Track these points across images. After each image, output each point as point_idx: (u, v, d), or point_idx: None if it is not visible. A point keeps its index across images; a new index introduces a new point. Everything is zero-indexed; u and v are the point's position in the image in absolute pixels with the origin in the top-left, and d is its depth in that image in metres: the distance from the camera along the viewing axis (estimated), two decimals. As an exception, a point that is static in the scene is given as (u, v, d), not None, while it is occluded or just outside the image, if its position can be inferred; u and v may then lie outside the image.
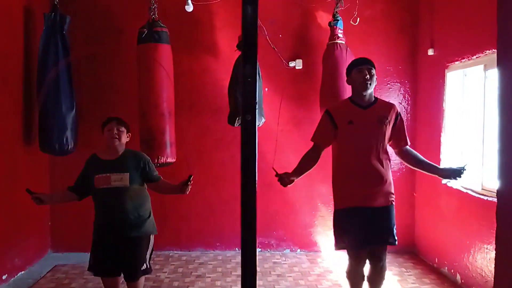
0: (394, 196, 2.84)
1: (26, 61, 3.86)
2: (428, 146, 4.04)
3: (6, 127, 3.57)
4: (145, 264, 2.85)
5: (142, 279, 2.91)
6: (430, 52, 4.02)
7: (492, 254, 3.07)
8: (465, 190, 3.49)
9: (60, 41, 3.79)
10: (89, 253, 2.88)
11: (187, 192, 2.76)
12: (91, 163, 2.86)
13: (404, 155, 2.89)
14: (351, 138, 2.76)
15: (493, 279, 2.99)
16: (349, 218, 2.77)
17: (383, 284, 2.92)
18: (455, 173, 2.74)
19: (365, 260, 2.85)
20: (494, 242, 2.83)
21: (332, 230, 2.88)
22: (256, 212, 1.41)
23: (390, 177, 2.81)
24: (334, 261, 4.09)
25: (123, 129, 2.86)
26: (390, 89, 4.38)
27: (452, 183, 3.67)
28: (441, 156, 3.87)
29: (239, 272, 3.86)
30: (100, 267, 2.85)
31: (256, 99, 1.28)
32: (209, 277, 3.76)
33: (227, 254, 4.35)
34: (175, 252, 4.39)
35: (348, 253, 2.85)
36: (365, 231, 2.74)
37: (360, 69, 2.75)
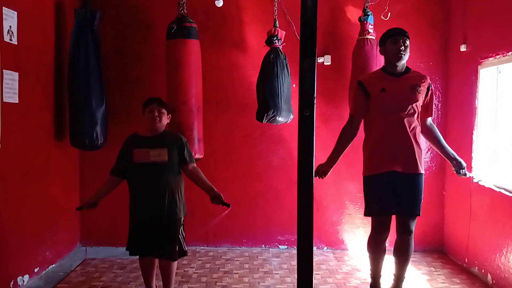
0: (423, 167, 2.90)
1: (57, 56, 3.90)
2: (460, 144, 3.96)
3: (38, 122, 3.62)
4: (179, 246, 2.88)
5: (176, 262, 2.93)
6: (463, 48, 3.93)
7: (527, 254, 3.01)
8: (497, 189, 3.41)
9: (90, 36, 3.81)
10: (127, 234, 2.95)
11: (213, 203, 2.87)
12: (130, 140, 2.95)
13: (427, 129, 2.98)
14: (383, 105, 2.82)
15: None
16: (378, 184, 2.85)
17: (410, 259, 2.98)
18: (459, 170, 2.90)
19: (388, 230, 2.90)
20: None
21: (363, 197, 2.96)
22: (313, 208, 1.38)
23: (420, 146, 2.87)
24: (361, 259, 4.05)
25: (164, 110, 2.93)
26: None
27: (484, 182, 3.61)
28: (473, 155, 3.79)
29: (266, 269, 3.86)
30: (137, 246, 2.90)
31: (314, 94, 1.26)
32: (237, 273, 3.76)
33: (254, 251, 4.34)
34: (202, 247, 4.40)
35: (372, 219, 2.92)
36: (393, 196, 2.80)
37: (395, 39, 2.82)
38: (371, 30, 3.93)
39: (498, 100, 3.66)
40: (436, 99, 4.31)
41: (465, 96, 3.94)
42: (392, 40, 2.83)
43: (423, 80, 2.89)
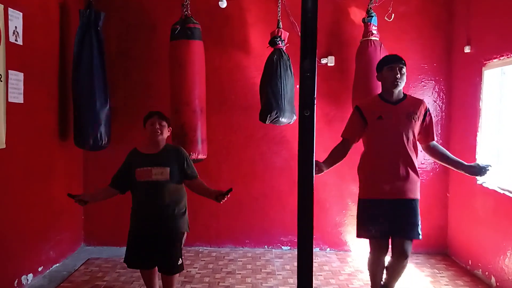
0: (419, 192, 2.88)
1: (61, 57, 3.92)
2: (463, 146, 3.95)
3: (43, 122, 3.64)
4: (180, 259, 2.89)
5: (177, 275, 2.94)
6: (467, 49, 3.92)
7: (531, 257, 2.99)
8: (502, 191, 3.40)
9: (94, 37, 3.83)
10: (126, 246, 2.95)
11: (222, 202, 2.79)
12: (132, 157, 2.93)
13: (431, 150, 2.96)
14: (380, 133, 2.84)
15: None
16: (374, 209, 2.85)
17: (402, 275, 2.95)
18: (480, 171, 2.78)
19: (387, 250, 2.91)
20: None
21: (356, 218, 2.96)
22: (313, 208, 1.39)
23: (417, 173, 2.86)
24: (364, 261, 4.02)
25: (164, 123, 2.93)
26: (425, 87, 4.29)
27: (488, 184, 3.59)
28: (477, 156, 3.77)
29: (268, 269, 3.86)
30: (135, 260, 2.91)
31: (315, 95, 1.26)
32: (239, 273, 3.76)
33: (256, 251, 4.34)
34: (205, 248, 4.41)
35: (370, 242, 2.91)
36: (389, 222, 2.80)
37: (391, 67, 2.82)
38: (374, 31, 3.92)
39: (502, 101, 3.64)
40: (440, 100, 4.31)
41: (469, 97, 3.93)
42: (388, 68, 2.83)
43: (420, 107, 2.87)
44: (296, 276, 3.71)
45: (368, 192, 2.91)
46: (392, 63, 2.82)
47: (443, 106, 4.30)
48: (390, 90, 2.85)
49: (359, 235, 2.95)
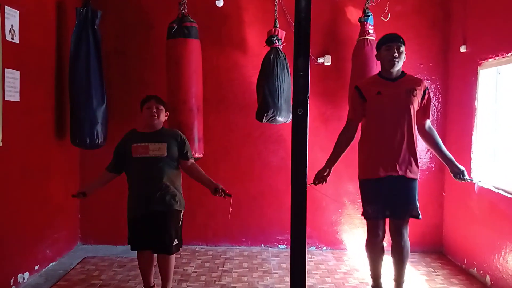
0: (418, 172, 2.91)
1: (58, 55, 3.92)
2: (459, 145, 3.97)
3: (39, 121, 3.64)
4: (177, 240, 2.90)
5: (173, 257, 2.95)
6: (463, 49, 3.93)
7: (526, 255, 3.02)
8: (496, 190, 3.41)
9: (91, 35, 3.84)
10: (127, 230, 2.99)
11: (216, 196, 2.86)
12: (129, 135, 2.98)
13: (426, 134, 2.98)
14: (379, 108, 2.85)
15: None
16: (372, 188, 2.89)
17: (407, 262, 2.99)
18: (458, 177, 2.89)
19: (383, 232, 2.94)
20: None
21: (360, 199, 3.00)
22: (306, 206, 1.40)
23: (416, 149, 2.89)
24: (360, 259, 4.06)
25: (161, 107, 2.97)
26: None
27: (483, 183, 3.61)
28: (472, 156, 3.79)
29: (265, 268, 3.88)
30: (135, 239, 2.93)
31: (308, 94, 1.27)
32: (236, 272, 3.77)
33: (253, 250, 4.35)
34: (202, 247, 4.42)
35: (367, 223, 2.95)
36: (386, 200, 2.84)
37: (390, 46, 2.85)
38: (371, 31, 3.93)
39: (498, 101, 3.66)
40: (435, 100, 4.32)
41: (465, 97, 3.94)
42: (386, 47, 2.86)
43: (419, 84, 2.90)
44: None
45: (366, 171, 2.93)
46: (390, 42, 2.85)
47: (439, 105, 4.32)
48: (388, 69, 2.88)
49: (363, 215, 2.98)
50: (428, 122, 2.99)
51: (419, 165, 4.20)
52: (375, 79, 2.97)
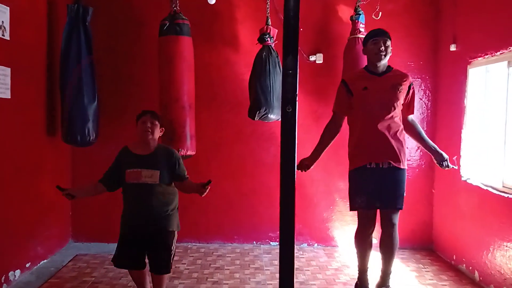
0: (406, 162, 2.96)
1: (49, 52, 3.90)
2: (449, 142, 4.01)
3: (30, 118, 3.62)
4: (171, 260, 2.89)
5: (167, 274, 2.94)
6: (452, 47, 3.97)
7: (513, 251, 3.07)
8: (485, 187, 3.46)
9: (83, 32, 3.81)
10: (116, 245, 2.93)
11: (203, 195, 2.79)
12: (123, 156, 2.90)
13: (409, 126, 3.06)
14: (366, 103, 2.91)
15: (515, 276, 3.00)
16: (361, 177, 2.93)
17: (395, 253, 3.04)
18: (441, 163, 2.97)
19: (373, 224, 2.99)
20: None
21: (348, 191, 3.04)
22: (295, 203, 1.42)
23: (403, 142, 2.95)
24: (351, 256, 4.09)
25: (156, 123, 2.89)
26: (411, 85, 4.35)
27: (472, 180, 3.66)
28: (461, 153, 3.84)
29: (257, 265, 3.90)
30: (123, 260, 2.89)
31: (297, 92, 1.29)
32: (228, 269, 3.79)
33: (245, 247, 4.38)
34: (194, 244, 4.43)
35: (358, 213, 3.00)
36: (376, 190, 2.88)
37: (376, 40, 2.92)
38: (362, 29, 3.96)
39: (486, 99, 3.71)
40: (426, 98, 4.37)
41: (455, 95, 3.99)
42: (373, 41, 2.92)
43: (405, 79, 2.96)
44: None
45: (355, 161, 2.98)
46: (376, 37, 2.92)
47: (429, 103, 4.36)
48: (375, 63, 2.93)
49: (351, 207, 3.03)
50: (411, 117, 3.08)
51: (409, 162, 4.30)
52: (362, 73, 3.02)
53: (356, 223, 3.09)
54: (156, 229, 2.84)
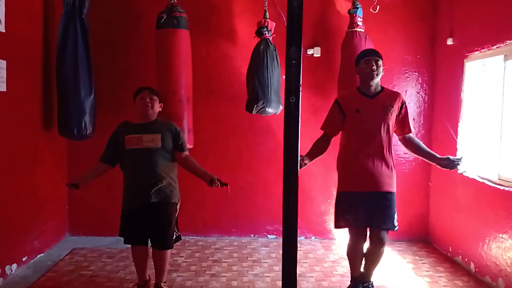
0: (395, 186, 2.97)
1: (45, 45, 3.87)
2: (445, 136, 4.04)
3: (26, 111, 3.60)
4: (175, 232, 2.88)
5: (169, 252, 2.93)
6: (449, 41, 3.99)
7: (508, 243, 3.10)
8: (481, 180, 3.49)
9: (79, 25, 3.79)
10: (120, 223, 2.92)
11: (212, 186, 2.81)
12: (121, 127, 2.91)
13: (407, 142, 3.06)
14: (358, 126, 2.93)
15: (507, 268, 3.04)
16: (351, 201, 2.93)
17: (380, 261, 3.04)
18: (451, 164, 2.89)
19: (365, 238, 3.01)
20: (510, 231, 2.85)
21: (334, 210, 3.04)
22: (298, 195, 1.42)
23: (393, 166, 2.96)
24: (348, 248, 4.12)
25: (155, 97, 2.90)
26: (408, 78, 4.36)
27: (468, 173, 3.69)
28: (458, 146, 3.86)
29: (255, 257, 3.91)
30: (130, 234, 2.86)
31: (300, 82, 1.29)
32: (226, 262, 3.80)
33: (243, 240, 4.39)
34: (191, 237, 4.44)
35: (349, 231, 3.01)
36: (366, 212, 2.90)
37: (368, 60, 2.93)
38: (360, 23, 3.96)
39: (483, 93, 3.73)
40: (423, 92, 4.38)
41: (451, 89, 4.01)
42: (365, 60, 2.93)
43: (396, 99, 2.95)
44: (281, 264, 3.77)
45: (346, 185, 2.99)
46: (368, 56, 2.94)
47: (426, 97, 4.38)
48: (367, 83, 2.94)
49: (337, 225, 3.03)
50: (409, 135, 3.03)
51: (406, 155, 4.32)
52: (355, 95, 3.01)
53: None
54: (159, 200, 2.81)
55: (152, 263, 3.01)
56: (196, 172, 2.94)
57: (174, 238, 2.90)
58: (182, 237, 4.29)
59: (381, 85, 3.00)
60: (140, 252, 2.93)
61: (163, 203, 2.84)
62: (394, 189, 2.95)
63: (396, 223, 2.93)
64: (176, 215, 2.97)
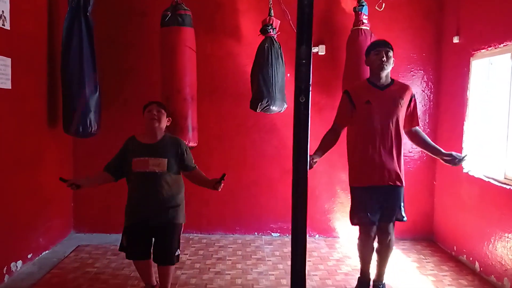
0: (403, 178, 2.98)
1: (50, 42, 3.87)
2: (451, 135, 4.02)
3: (31, 109, 3.60)
4: (177, 251, 2.88)
5: (174, 266, 2.94)
6: (455, 39, 3.97)
7: (514, 242, 3.09)
8: (487, 179, 3.48)
9: (84, 23, 3.78)
10: (121, 235, 2.90)
11: (219, 189, 2.80)
12: (129, 145, 2.87)
13: (413, 135, 3.07)
14: (368, 117, 2.91)
15: (516, 267, 3.02)
16: (363, 196, 2.96)
17: (391, 255, 3.09)
18: (454, 160, 2.91)
19: (375, 234, 3.04)
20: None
21: (350, 206, 3.08)
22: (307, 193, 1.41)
23: (402, 158, 2.97)
24: (352, 247, 4.10)
25: (163, 112, 2.87)
26: (414, 77, 4.34)
27: (474, 172, 3.68)
28: (463, 145, 3.85)
29: (259, 255, 3.92)
30: (132, 250, 2.86)
31: (310, 81, 1.28)
32: (230, 259, 3.80)
33: (247, 238, 4.39)
34: (196, 235, 4.44)
35: (360, 228, 3.05)
36: (377, 208, 2.93)
37: (378, 51, 2.91)
38: (365, 21, 3.94)
39: (489, 91, 3.71)
40: (428, 90, 4.36)
41: (457, 87, 3.99)
42: (375, 51, 2.92)
43: (406, 92, 2.96)
44: (285, 262, 3.77)
45: (358, 179, 3.00)
46: (378, 47, 2.92)
47: (432, 95, 4.36)
48: (377, 74, 2.93)
49: (352, 222, 3.05)
50: (415, 129, 3.05)
51: (411, 154, 4.32)
52: (365, 85, 3.01)
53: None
54: (164, 221, 2.81)
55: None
56: (202, 184, 2.93)
57: (176, 255, 2.88)
58: (187, 235, 4.36)
59: (391, 77, 2.99)
60: (143, 265, 2.93)
61: (167, 224, 2.83)
62: (403, 182, 2.97)
63: (404, 214, 2.98)
64: (180, 235, 2.94)
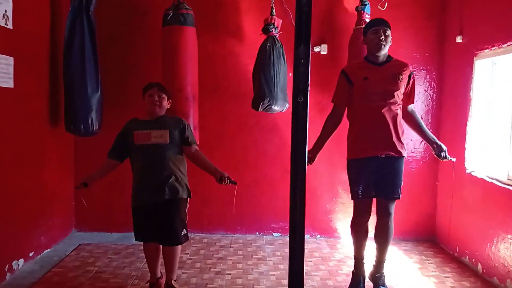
0: (405, 151, 2.97)
1: (52, 41, 3.87)
2: (453, 135, 4.00)
3: (33, 108, 3.61)
4: (184, 229, 2.87)
5: (179, 248, 2.92)
6: (459, 39, 3.94)
7: (517, 244, 3.07)
8: (490, 180, 3.45)
9: (86, 22, 3.78)
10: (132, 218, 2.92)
11: (222, 184, 2.82)
12: (130, 123, 2.92)
13: (408, 115, 3.07)
14: (366, 93, 2.90)
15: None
16: (360, 167, 2.94)
17: (390, 243, 3.07)
18: (440, 155, 2.97)
19: (369, 212, 3.01)
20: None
21: (349, 182, 3.05)
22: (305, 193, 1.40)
23: (401, 132, 2.95)
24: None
25: (164, 95, 2.92)
26: (416, 76, 4.29)
27: (477, 173, 3.65)
28: (466, 145, 3.82)
29: (260, 255, 3.91)
30: (142, 231, 2.87)
31: (308, 82, 1.27)
32: (231, 259, 3.80)
33: (248, 238, 4.38)
34: (197, 234, 4.44)
35: (354, 203, 3.02)
36: (373, 179, 2.91)
37: (376, 29, 2.90)
38: (368, 20, 3.91)
39: (493, 91, 3.68)
40: (431, 90, 4.34)
41: (460, 87, 3.96)
42: (373, 30, 2.90)
43: (405, 68, 2.95)
44: (286, 262, 3.75)
45: (354, 152, 2.99)
46: (376, 26, 2.91)
47: (434, 95, 4.33)
48: (375, 53, 2.92)
49: (352, 197, 3.03)
50: (411, 106, 3.07)
51: (414, 154, 4.29)
52: (362, 63, 3.01)
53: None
54: (169, 196, 2.80)
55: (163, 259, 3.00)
56: (207, 168, 2.94)
57: (183, 234, 2.88)
58: (188, 234, 4.34)
59: (389, 55, 2.98)
60: (152, 249, 2.94)
61: (174, 199, 2.83)
62: (403, 153, 2.95)
63: (400, 192, 2.94)
64: (186, 211, 2.95)
